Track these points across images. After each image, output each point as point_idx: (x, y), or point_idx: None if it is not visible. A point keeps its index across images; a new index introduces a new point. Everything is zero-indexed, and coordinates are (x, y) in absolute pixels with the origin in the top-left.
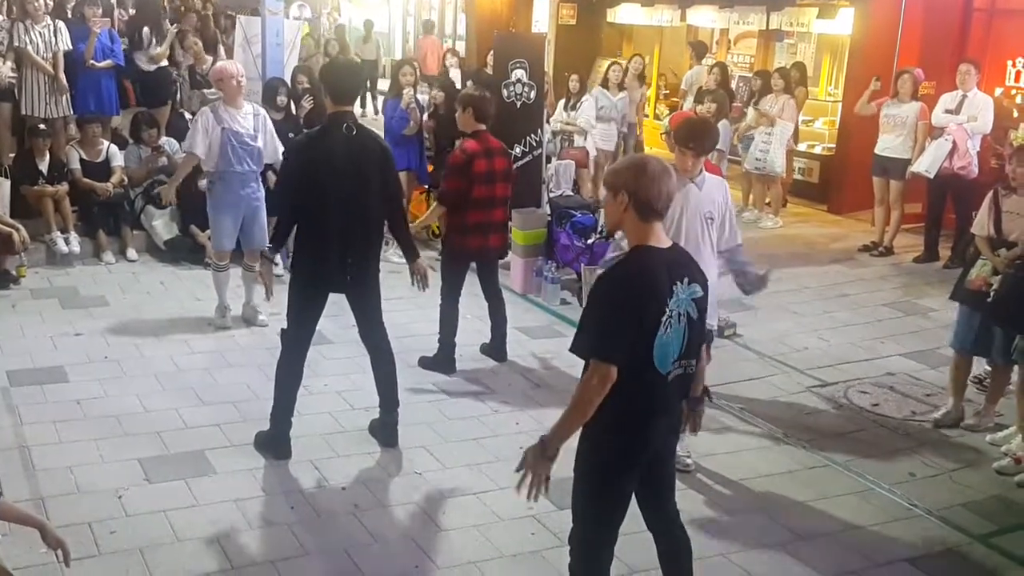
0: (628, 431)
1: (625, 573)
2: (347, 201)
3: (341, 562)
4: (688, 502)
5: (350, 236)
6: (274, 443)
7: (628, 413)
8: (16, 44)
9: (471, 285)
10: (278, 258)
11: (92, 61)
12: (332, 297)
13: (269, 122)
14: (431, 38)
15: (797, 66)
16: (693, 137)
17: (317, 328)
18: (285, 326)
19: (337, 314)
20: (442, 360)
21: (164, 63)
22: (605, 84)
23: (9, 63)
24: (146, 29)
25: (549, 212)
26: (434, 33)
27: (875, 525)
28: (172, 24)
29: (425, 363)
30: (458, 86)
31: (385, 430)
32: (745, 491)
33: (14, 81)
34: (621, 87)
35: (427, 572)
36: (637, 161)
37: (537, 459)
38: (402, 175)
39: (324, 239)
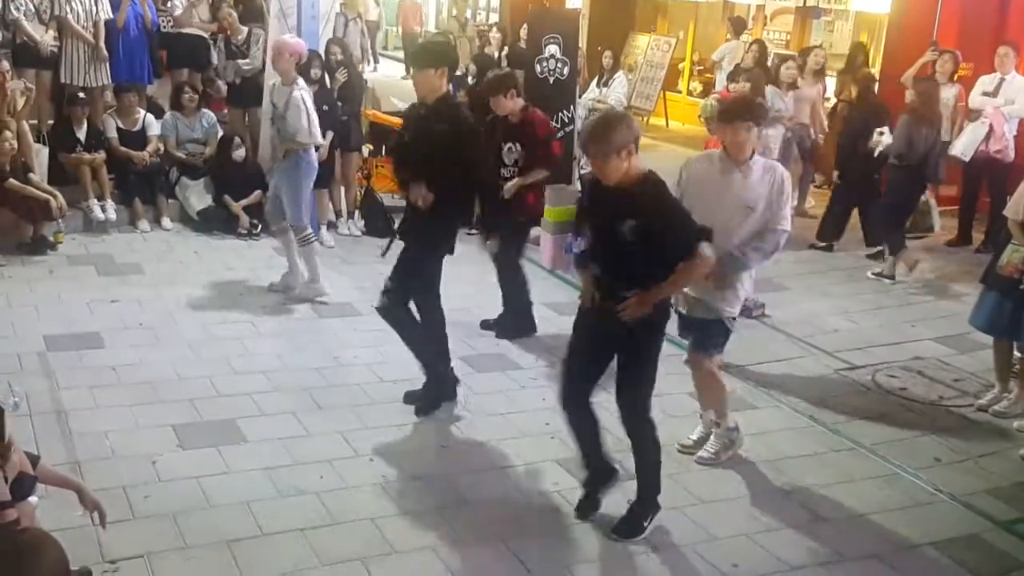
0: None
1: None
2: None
3: (368, 532)
4: (712, 482)
5: None
6: (438, 397)
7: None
8: (57, 13)
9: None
10: (324, 232)
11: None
12: (360, 271)
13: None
14: (412, 1)
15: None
16: (747, 109)
17: (348, 301)
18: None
19: (367, 287)
20: (522, 324)
21: (200, 32)
22: (776, 83)
23: (51, 32)
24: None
25: (580, 188)
26: None
27: (899, 509)
28: None
29: (504, 333)
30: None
31: (449, 381)
32: (770, 472)
33: (55, 50)
34: (794, 86)
35: (453, 545)
36: (610, 119)
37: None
38: None
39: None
